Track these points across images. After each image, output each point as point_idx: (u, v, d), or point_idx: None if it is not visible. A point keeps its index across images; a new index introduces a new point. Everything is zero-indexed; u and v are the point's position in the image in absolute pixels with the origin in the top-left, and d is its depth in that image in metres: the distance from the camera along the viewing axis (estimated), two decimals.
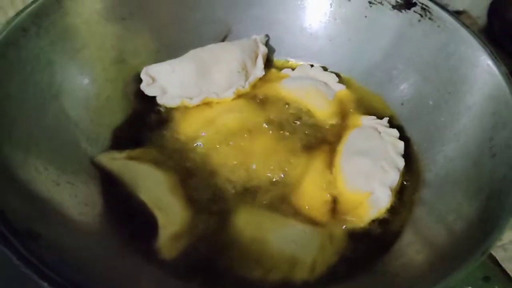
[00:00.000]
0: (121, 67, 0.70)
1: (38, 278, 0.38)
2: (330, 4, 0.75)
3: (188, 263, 0.54)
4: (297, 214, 0.60)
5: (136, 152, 0.65)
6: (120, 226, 0.56)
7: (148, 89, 0.70)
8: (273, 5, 0.78)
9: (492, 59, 0.59)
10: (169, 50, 0.74)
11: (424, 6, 0.66)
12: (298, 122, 0.69)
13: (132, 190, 0.59)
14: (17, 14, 0.57)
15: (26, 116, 0.56)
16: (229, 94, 0.72)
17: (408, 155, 0.65)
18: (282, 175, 0.63)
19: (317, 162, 0.64)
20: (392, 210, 0.60)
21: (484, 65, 0.59)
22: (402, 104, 0.70)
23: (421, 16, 0.67)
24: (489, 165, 0.54)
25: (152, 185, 0.60)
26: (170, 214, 0.57)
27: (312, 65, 0.78)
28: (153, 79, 0.71)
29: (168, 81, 0.71)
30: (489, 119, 0.57)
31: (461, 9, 0.87)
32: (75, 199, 0.55)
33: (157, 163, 0.63)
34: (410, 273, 0.49)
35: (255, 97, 0.73)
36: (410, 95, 0.70)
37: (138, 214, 0.58)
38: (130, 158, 0.64)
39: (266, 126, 0.68)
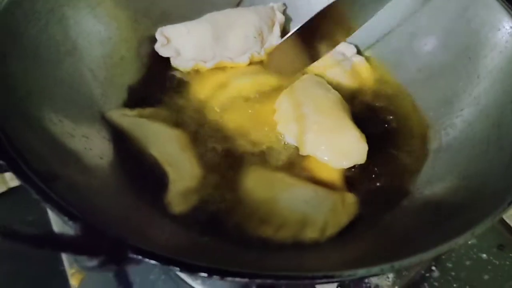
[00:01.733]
0: (136, 27, 0.69)
1: (58, 212, 0.37)
2: None
3: (199, 219, 0.54)
4: (309, 177, 0.59)
5: (148, 111, 0.64)
6: (133, 179, 0.56)
7: (162, 49, 0.69)
8: None
9: None
10: (181, 13, 0.74)
11: None
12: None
13: (143, 146, 0.59)
14: None
15: (40, 69, 0.55)
16: (244, 59, 0.71)
17: (425, 121, 0.65)
18: (295, 138, 0.62)
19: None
20: (406, 168, 0.60)
21: (506, 27, 0.59)
22: (419, 70, 0.69)
23: None
24: (510, 126, 0.53)
25: (163, 142, 0.60)
26: (181, 170, 0.57)
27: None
28: (168, 40, 0.70)
29: (182, 43, 0.70)
30: (511, 81, 0.56)
31: None
32: (90, 152, 0.54)
33: (169, 122, 0.63)
34: (424, 229, 0.49)
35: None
36: (428, 61, 0.68)
37: (150, 169, 0.57)
38: (141, 116, 0.63)
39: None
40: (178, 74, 0.70)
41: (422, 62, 0.69)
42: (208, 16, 0.73)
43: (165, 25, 0.71)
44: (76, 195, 0.42)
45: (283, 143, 0.62)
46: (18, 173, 0.39)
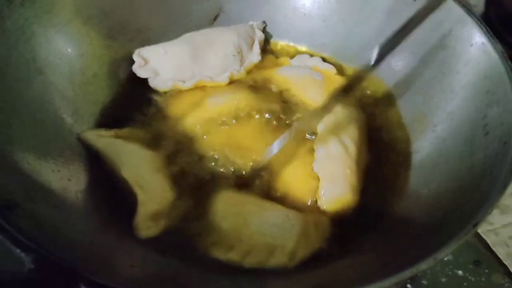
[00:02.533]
0: (109, 44, 0.69)
1: (11, 243, 0.36)
2: None
3: (167, 244, 0.53)
4: (281, 200, 0.58)
5: (124, 131, 0.64)
6: (103, 202, 0.55)
7: (140, 70, 0.69)
8: None
9: (488, 38, 0.58)
10: (158, 28, 0.73)
11: None
12: (289, 112, 0.67)
13: (115, 168, 0.58)
14: None
15: (8, 88, 0.54)
16: (224, 78, 0.71)
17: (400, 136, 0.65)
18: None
19: (303, 151, 0.63)
20: (378, 192, 0.60)
21: (479, 43, 0.58)
22: (395, 84, 0.69)
23: None
24: (482, 143, 0.53)
25: (136, 164, 0.59)
26: (151, 192, 0.56)
27: (311, 55, 0.77)
28: (146, 61, 0.70)
29: (160, 64, 0.70)
30: (483, 97, 0.56)
31: None
32: (57, 174, 0.54)
33: (144, 143, 0.62)
34: (398, 249, 0.48)
35: (249, 83, 0.72)
36: (403, 75, 0.68)
37: (120, 191, 0.57)
38: (117, 136, 0.62)
39: (256, 113, 0.66)
40: (155, 94, 0.69)
41: (398, 76, 0.69)
42: (186, 36, 0.73)
43: (140, 42, 0.71)
44: (35, 223, 0.42)
45: (256, 166, 0.61)
46: None
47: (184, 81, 0.69)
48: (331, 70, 0.73)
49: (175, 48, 0.70)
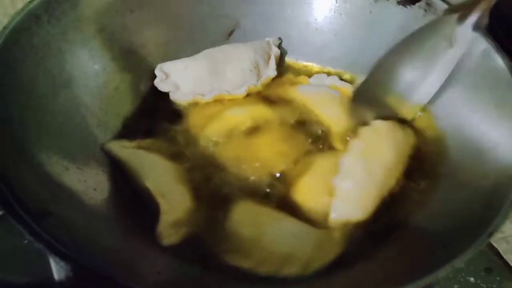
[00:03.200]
0: (130, 58, 0.71)
1: (50, 252, 0.38)
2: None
3: (188, 251, 0.55)
4: (297, 213, 0.59)
5: (146, 142, 0.66)
6: (126, 211, 0.57)
7: (161, 84, 0.72)
8: (283, 3, 0.79)
9: (497, 52, 0.60)
10: (177, 43, 0.76)
11: (428, 1, 0.67)
12: (307, 126, 0.69)
13: (138, 178, 0.60)
14: (30, 2, 0.58)
15: (37, 102, 0.57)
16: (241, 92, 0.73)
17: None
18: (285, 174, 0.63)
19: (321, 164, 0.64)
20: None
21: (488, 58, 0.60)
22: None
23: (425, 11, 0.68)
24: (492, 156, 0.55)
25: (158, 174, 0.61)
26: (173, 201, 0.58)
27: (328, 74, 0.79)
28: (167, 75, 0.72)
29: (181, 78, 0.72)
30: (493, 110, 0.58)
31: None
32: (84, 184, 0.56)
33: (166, 154, 0.64)
34: (415, 258, 0.50)
35: (267, 98, 0.74)
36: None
37: (144, 201, 0.59)
38: (140, 147, 0.65)
39: (274, 126, 0.68)
40: (176, 106, 0.72)
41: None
42: (205, 52, 0.75)
43: (159, 56, 0.74)
44: (68, 232, 0.44)
45: (273, 177, 0.63)
46: (11, 213, 0.40)
47: (203, 95, 0.72)
48: (349, 88, 0.74)
49: (194, 63, 0.73)
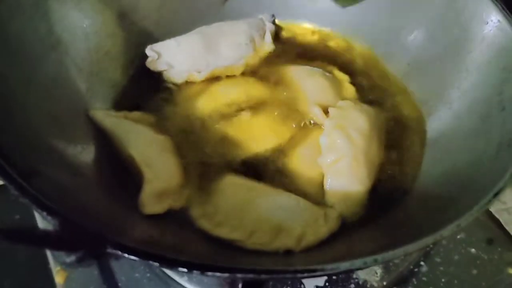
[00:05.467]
0: (122, 22, 0.68)
1: (36, 207, 0.36)
2: None
3: (171, 222, 0.53)
4: (292, 187, 0.58)
5: (134, 114, 0.64)
6: (112, 177, 0.55)
7: (154, 64, 0.69)
8: None
9: (503, 15, 0.57)
10: (171, 7, 0.73)
11: None
12: (299, 106, 0.67)
13: (123, 147, 0.58)
14: None
15: (24, 62, 0.54)
16: (238, 65, 0.71)
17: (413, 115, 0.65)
18: (279, 149, 0.61)
19: (316, 136, 0.62)
20: (394, 170, 0.60)
21: (495, 21, 0.58)
22: (408, 64, 0.69)
23: None
24: (499, 119, 0.53)
25: (144, 144, 0.59)
26: (158, 171, 0.55)
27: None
28: (159, 55, 0.69)
29: (174, 56, 0.70)
30: (499, 74, 0.56)
31: None
32: (72, 146, 0.54)
33: (154, 127, 0.62)
34: (418, 220, 0.49)
35: (263, 77, 0.71)
36: (416, 54, 0.68)
37: (128, 169, 0.57)
38: (126, 118, 0.62)
39: (267, 105, 0.66)
40: (168, 82, 0.70)
41: (411, 56, 0.69)
42: (198, 29, 0.73)
43: (152, 22, 0.72)
44: (56, 191, 0.41)
45: (268, 157, 0.61)
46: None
47: (199, 72, 0.69)
48: (345, 78, 0.72)
49: (187, 40, 0.70)
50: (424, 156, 0.60)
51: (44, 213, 0.36)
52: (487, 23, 0.59)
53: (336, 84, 0.70)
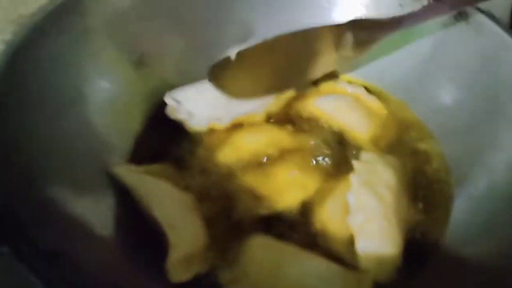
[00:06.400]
0: (141, 70, 0.67)
1: None
2: (359, 6, 0.71)
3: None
4: (322, 248, 0.55)
5: (155, 167, 0.62)
6: (134, 242, 0.53)
7: (173, 113, 0.67)
8: (299, 9, 0.74)
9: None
10: (191, 52, 0.71)
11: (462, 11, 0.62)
12: (329, 150, 0.65)
13: (146, 206, 0.55)
14: (36, 14, 0.55)
15: (44, 124, 0.53)
16: (259, 111, 0.69)
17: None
18: (306, 205, 0.59)
19: (342, 188, 0.59)
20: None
21: None
22: (434, 113, 0.67)
23: (457, 19, 0.63)
24: None
25: (168, 203, 0.56)
26: (184, 234, 0.53)
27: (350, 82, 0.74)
28: (179, 103, 0.67)
29: (194, 104, 0.68)
30: None
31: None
32: (92, 214, 0.52)
33: (175, 181, 0.60)
34: None
35: (289, 120, 0.69)
36: (443, 104, 0.66)
37: (152, 232, 0.54)
38: (148, 173, 0.60)
39: (293, 155, 0.64)
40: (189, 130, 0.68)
41: (438, 105, 0.67)
42: None
43: (172, 69, 0.70)
44: (77, 271, 0.40)
45: (293, 211, 0.59)
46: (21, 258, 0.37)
47: (219, 119, 0.67)
48: (375, 102, 0.70)
49: (207, 87, 0.67)
50: (454, 214, 0.58)
51: None
52: None
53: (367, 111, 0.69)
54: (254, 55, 0.63)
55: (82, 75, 0.60)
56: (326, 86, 0.73)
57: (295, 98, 0.71)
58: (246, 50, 0.62)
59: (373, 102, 0.70)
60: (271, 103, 0.70)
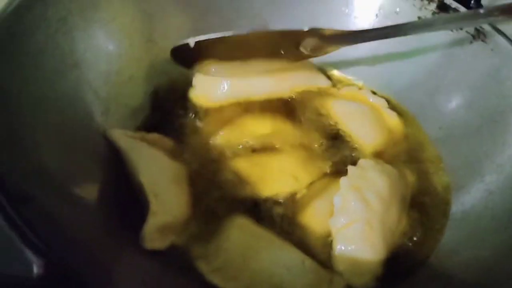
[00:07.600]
0: (149, 47, 0.66)
1: (23, 242, 0.33)
2: (376, 14, 0.71)
3: (171, 259, 0.50)
4: (300, 242, 0.54)
5: (151, 136, 0.61)
6: (114, 206, 0.52)
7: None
8: (316, 8, 0.73)
9: None
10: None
11: (478, 27, 0.62)
12: (330, 151, 0.64)
13: (134, 171, 0.55)
14: None
15: (42, 77, 0.52)
16: (265, 95, 0.68)
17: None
18: (294, 198, 0.58)
19: (336, 188, 0.57)
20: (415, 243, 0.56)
21: None
22: (440, 128, 0.65)
23: (474, 37, 0.62)
24: None
25: (156, 170, 0.56)
26: (166, 203, 0.52)
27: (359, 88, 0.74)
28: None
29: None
30: None
31: None
32: (75, 170, 0.50)
33: (169, 153, 0.59)
34: None
35: (297, 112, 0.68)
36: (450, 119, 0.64)
37: (135, 198, 0.54)
38: (143, 139, 0.59)
39: (290, 146, 0.63)
40: (190, 106, 0.67)
41: (445, 120, 0.65)
42: None
43: None
44: (47, 223, 0.38)
45: (280, 200, 0.57)
46: None
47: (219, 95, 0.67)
48: (383, 104, 0.69)
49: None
50: (450, 231, 0.56)
51: (30, 252, 0.33)
52: None
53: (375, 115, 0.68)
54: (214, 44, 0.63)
55: (88, 41, 0.59)
56: (349, 91, 0.73)
57: (317, 93, 0.71)
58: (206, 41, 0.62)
59: (391, 117, 0.69)
60: (285, 91, 0.69)
